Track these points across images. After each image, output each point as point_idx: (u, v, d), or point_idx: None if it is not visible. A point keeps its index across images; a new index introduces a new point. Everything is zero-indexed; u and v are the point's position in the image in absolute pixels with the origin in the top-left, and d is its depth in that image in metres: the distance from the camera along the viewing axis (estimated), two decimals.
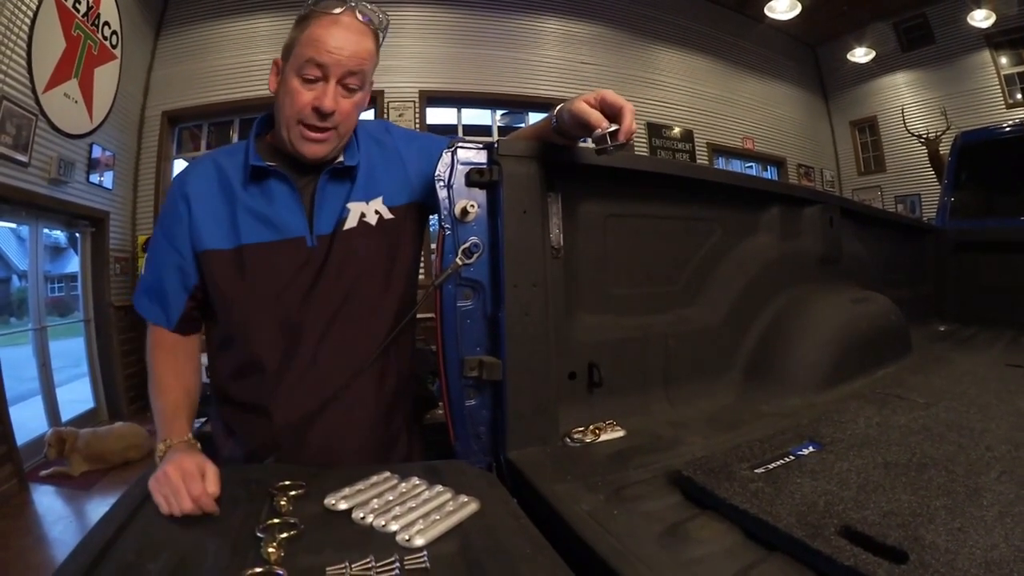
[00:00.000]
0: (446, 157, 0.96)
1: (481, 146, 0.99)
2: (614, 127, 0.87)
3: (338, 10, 0.95)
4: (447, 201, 0.96)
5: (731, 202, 1.44)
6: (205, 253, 1.00)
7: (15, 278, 8.27)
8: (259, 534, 0.67)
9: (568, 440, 1.04)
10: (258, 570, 0.59)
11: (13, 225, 6.24)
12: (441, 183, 0.96)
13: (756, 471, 0.82)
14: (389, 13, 1.03)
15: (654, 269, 1.32)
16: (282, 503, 0.74)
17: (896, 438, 0.99)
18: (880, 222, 2.29)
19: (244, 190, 1.02)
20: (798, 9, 7.34)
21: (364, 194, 1.06)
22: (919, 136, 7.51)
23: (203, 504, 0.76)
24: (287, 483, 0.80)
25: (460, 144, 0.98)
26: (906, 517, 0.69)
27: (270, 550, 0.62)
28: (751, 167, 8.70)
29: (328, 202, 1.04)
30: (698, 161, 7.67)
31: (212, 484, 0.78)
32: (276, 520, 0.70)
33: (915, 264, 2.53)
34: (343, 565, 0.60)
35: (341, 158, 1.05)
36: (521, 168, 0.99)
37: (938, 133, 7.13)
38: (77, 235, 5.23)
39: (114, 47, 5.06)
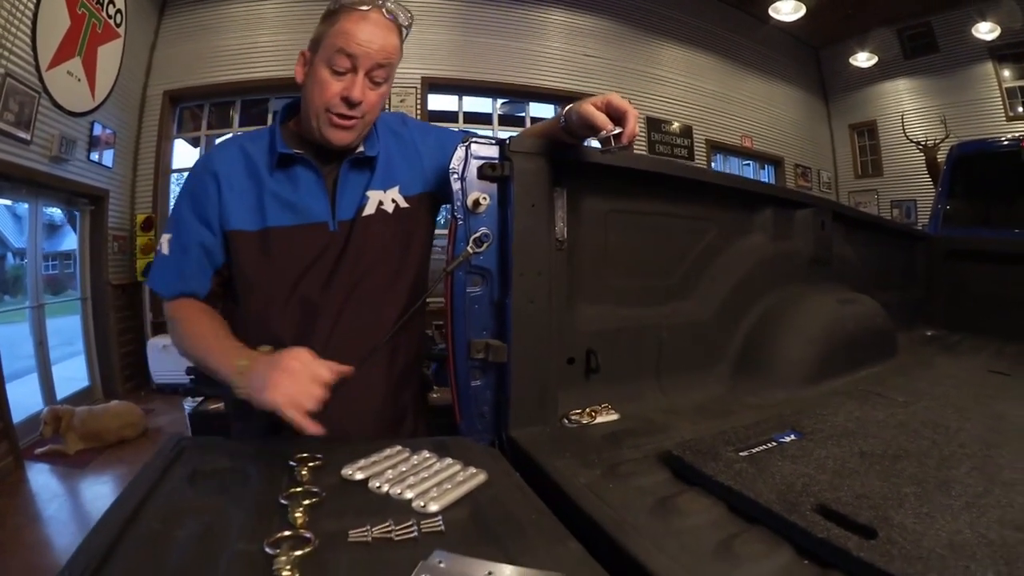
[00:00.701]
0: (460, 151, 1.01)
1: (494, 142, 1.04)
2: (618, 130, 0.92)
3: (366, 7, 1.00)
4: (460, 193, 1.01)
5: (727, 202, 1.49)
6: (232, 233, 1.05)
7: (9, 256, 8.21)
8: (283, 501, 0.72)
9: (566, 421, 1.11)
10: (287, 533, 0.63)
11: (8, 202, 6.20)
12: (455, 175, 1.01)
13: (740, 454, 0.88)
14: None
15: (651, 264, 1.38)
16: (303, 473, 0.79)
17: (873, 431, 1.05)
18: (872, 227, 2.33)
19: (270, 175, 1.06)
20: (802, 11, 7.36)
21: (382, 183, 1.11)
22: (917, 143, 7.56)
23: (335, 372, 0.85)
24: (305, 455, 0.84)
25: (474, 139, 1.03)
26: (877, 500, 0.74)
27: (297, 515, 0.67)
28: (748, 165, 8.76)
29: (349, 189, 1.09)
30: (696, 157, 7.72)
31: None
32: (298, 488, 0.74)
33: (906, 269, 2.57)
34: (365, 528, 0.65)
35: (362, 148, 1.10)
36: (531, 164, 1.04)
37: (936, 141, 7.18)
38: (76, 213, 5.23)
39: (118, 26, 5.05)
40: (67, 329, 5.48)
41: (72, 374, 5.22)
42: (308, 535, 0.63)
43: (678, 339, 1.35)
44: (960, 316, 2.51)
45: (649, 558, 0.62)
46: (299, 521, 0.66)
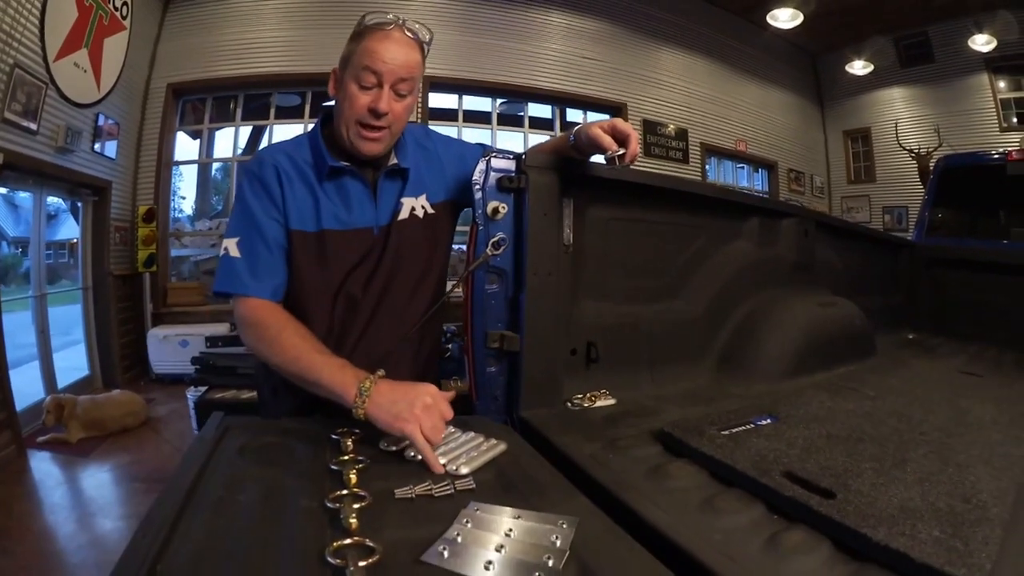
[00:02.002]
0: (482, 164, 1.15)
1: (511, 157, 1.17)
2: (622, 151, 1.06)
3: (389, 27, 1.10)
4: (481, 202, 1.15)
5: (716, 212, 1.62)
6: (294, 232, 1.15)
7: (3, 244, 8.19)
8: (333, 467, 0.83)
9: (569, 404, 1.24)
10: (344, 492, 0.74)
11: (4, 191, 6.20)
12: (477, 186, 1.15)
13: (722, 432, 1.01)
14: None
15: (646, 266, 1.50)
16: (348, 444, 0.91)
17: (841, 418, 1.16)
18: (855, 235, 2.44)
19: (321, 183, 1.17)
20: (800, 19, 7.49)
21: (414, 191, 1.23)
22: (910, 151, 7.70)
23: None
24: (345, 429, 0.95)
25: (494, 155, 1.16)
26: (839, 471, 0.86)
27: (351, 476, 0.78)
28: (742, 169, 8.88)
29: (386, 196, 1.21)
30: (691, 160, 7.85)
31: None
32: (346, 457, 0.86)
33: (889, 276, 2.67)
34: (408, 487, 0.78)
35: (395, 160, 1.22)
36: (543, 177, 1.17)
37: (929, 149, 7.30)
38: (79, 204, 5.28)
39: (124, 18, 5.11)
40: (64, 319, 5.50)
41: (70, 363, 5.24)
42: (363, 493, 0.74)
43: (669, 334, 1.48)
44: (942, 321, 2.61)
45: (645, 510, 0.75)
46: (352, 481, 0.78)
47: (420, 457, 0.88)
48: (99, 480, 3.48)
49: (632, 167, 1.16)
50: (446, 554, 0.62)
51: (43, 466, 3.58)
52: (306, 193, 1.17)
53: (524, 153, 1.17)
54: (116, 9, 4.96)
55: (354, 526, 0.66)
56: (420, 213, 1.23)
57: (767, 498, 0.80)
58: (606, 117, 7.44)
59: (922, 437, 1.07)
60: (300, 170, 1.18)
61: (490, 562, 0.60)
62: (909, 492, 0.80)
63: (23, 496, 3.17)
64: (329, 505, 0.72)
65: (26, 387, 4.33)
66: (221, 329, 5.17)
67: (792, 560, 0.68)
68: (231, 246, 1.13)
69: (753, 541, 0.71)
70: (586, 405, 1.24)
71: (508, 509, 0.71)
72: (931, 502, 0.77)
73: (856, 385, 1.50)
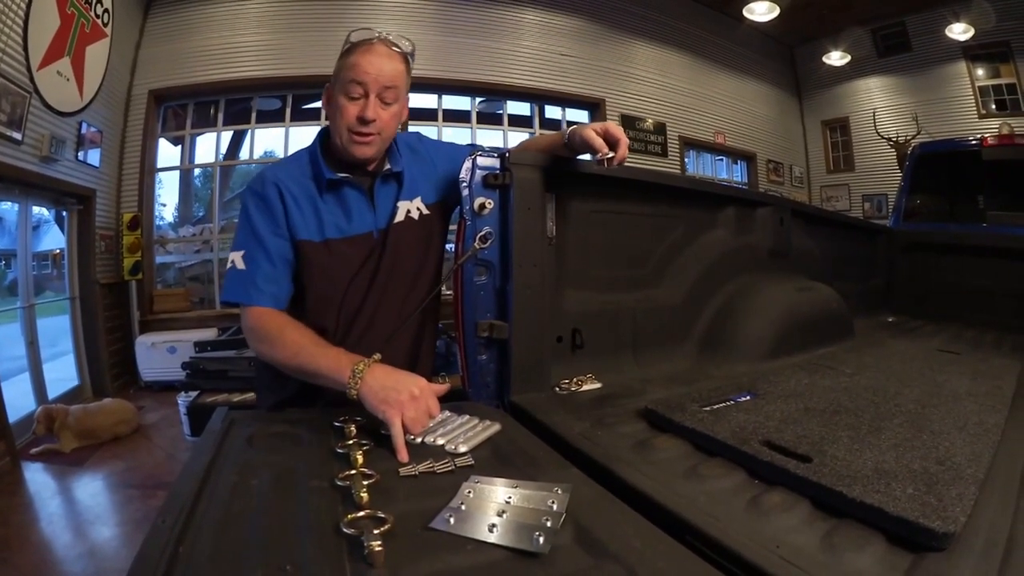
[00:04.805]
0: (468, 163, 1.21)
1: (496, 155, 1.23)
2: (612, 154, 1.13)
3: (372, 41, 1.19)
4: (468, 198, 1.21)
5: (693, 202, 1.69)
6: (301, 242, 1.21)
7: None
8: (339, 450, 0.88)
9: (557, 389, 1.31)
10: (352, 471, 0.79)
11: None
12: (464, 184, 1.21)
13: (704, 409, 1.08)
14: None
15: (627, 256, 1.57)
16: (351, 429, 0.95)
17: (819, 394, 1.22)
18: (831, 222, 2.52)
19: (322, 195, 1.24)
20: (776, 12, 7.57)
21: (408, 194, 1.29)
22: (888, 139, 7.81)
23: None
24: (346, 417, 1.00)
25: (480, 153, 1.23)
26: (815, 439, 0.92)
27: (358, 457, 0.83)
28: (721, 160, 8.96)
29: (383, 201, 1.27)
30: (669, 154, 7.92)
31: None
32: (351, 441, 0.91)
33: (866, 261, 2.75)
34: (411, 465, 0.83)
35: (389, 165, 1.28)
36: (526, 174, 1.24)
37: (907, 137, 7.40)
38: (64, 213, 5.24)
39: (105, 25, 5.07)
40: (51, 330, 5.42)
41: (59, 374, 5.17)
42: (370, 472, 0.79)
43: (651, 320, 1.55)
44: (921, 304, 2.69)
45: (633, 478, 0.81)
46: (360, 462, 0.82)
47: (420, 439, 0.93)
48: (94, 488, 3.48)
49: None
50: (452, 521, 0.67)
51: (38, 477, 3.58)
52: (308, 206, 1.23)
53: (508, 151, 1.24)
54: (98, 16, 4.92)
55: (365, 500, 0.71)
56: (415, 215, 1.29)
57: (747, 465, 0.86)
58: (584, 113, 7.44)
59: (897, 408, 1.12)
60: (302, 185, 1.24)
61: (493, 525, 0.66)
62: (884, 456, 0.84)
63: (20, 507, 3.15)
64: (339, 483, 0.77)
65: (17, 399, 4.27)
66: (209, 334, 5.16)
67: (773, 518, 0.73)
68: (237, 259, 1.20)
69: (736, 502, 0.77)
70: (573, 389, 1.31)
71: (506, 480, 0.76)
72: (906, 464, 0.81)
73: (834, 364, 1.55)
